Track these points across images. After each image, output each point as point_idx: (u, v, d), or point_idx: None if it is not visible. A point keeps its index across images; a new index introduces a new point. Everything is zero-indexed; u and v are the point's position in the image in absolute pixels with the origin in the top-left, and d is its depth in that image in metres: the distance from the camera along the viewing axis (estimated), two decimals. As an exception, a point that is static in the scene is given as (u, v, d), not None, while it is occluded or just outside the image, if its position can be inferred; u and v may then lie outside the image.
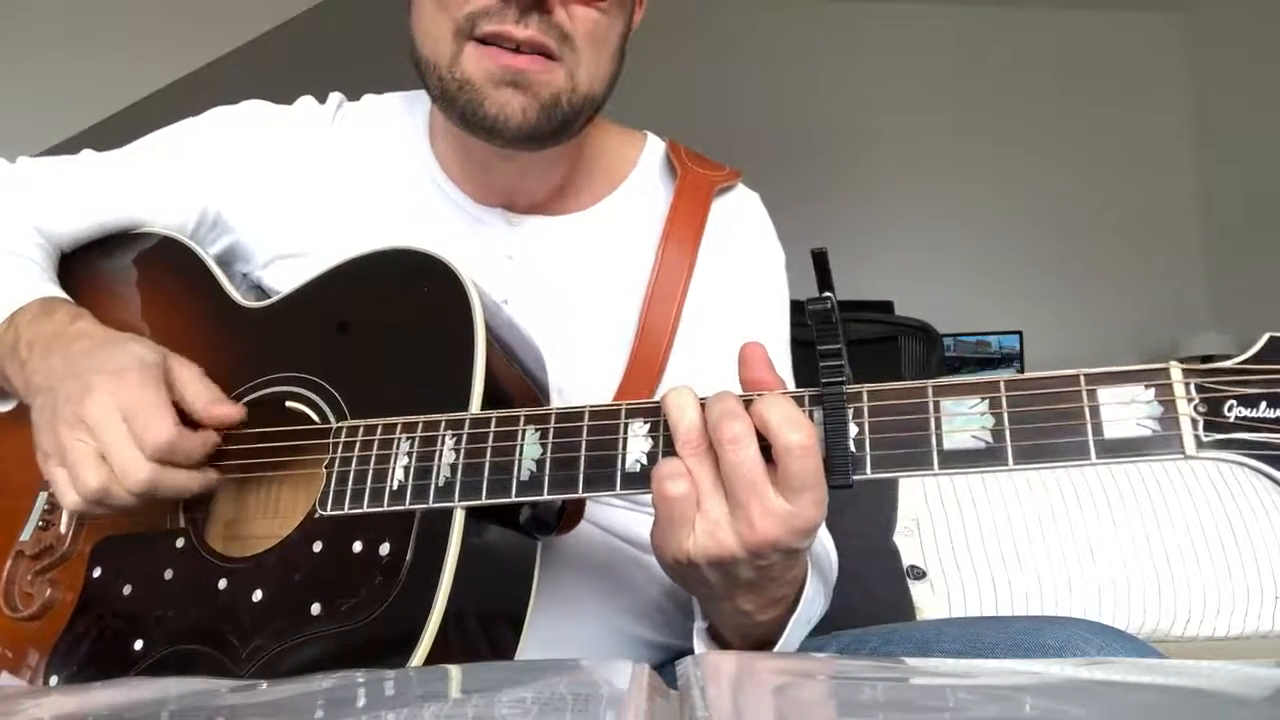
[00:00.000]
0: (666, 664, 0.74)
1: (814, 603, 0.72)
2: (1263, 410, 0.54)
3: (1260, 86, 4.35)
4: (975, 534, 1.52)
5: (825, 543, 0.82)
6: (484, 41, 0.78)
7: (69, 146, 0.95)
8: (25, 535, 0.79)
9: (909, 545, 1.52)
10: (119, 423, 0.69)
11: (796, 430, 0.57)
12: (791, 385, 0.74)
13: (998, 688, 0.49)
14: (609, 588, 0.85)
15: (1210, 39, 4.72)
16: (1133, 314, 4.68)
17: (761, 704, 0.48)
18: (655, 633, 0.86)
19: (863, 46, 4.83)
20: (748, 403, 0.60)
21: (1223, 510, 1.53)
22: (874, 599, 1.43)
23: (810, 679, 0.55)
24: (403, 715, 0.41)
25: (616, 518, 0.85)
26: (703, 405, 0.61)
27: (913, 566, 1.50)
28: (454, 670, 0.59)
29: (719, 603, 0.67)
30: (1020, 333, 4.56)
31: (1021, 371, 4.56)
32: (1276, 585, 1.48)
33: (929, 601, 1.47)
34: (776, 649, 0.68)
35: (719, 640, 0.72)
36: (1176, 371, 0.56)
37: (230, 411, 0.74)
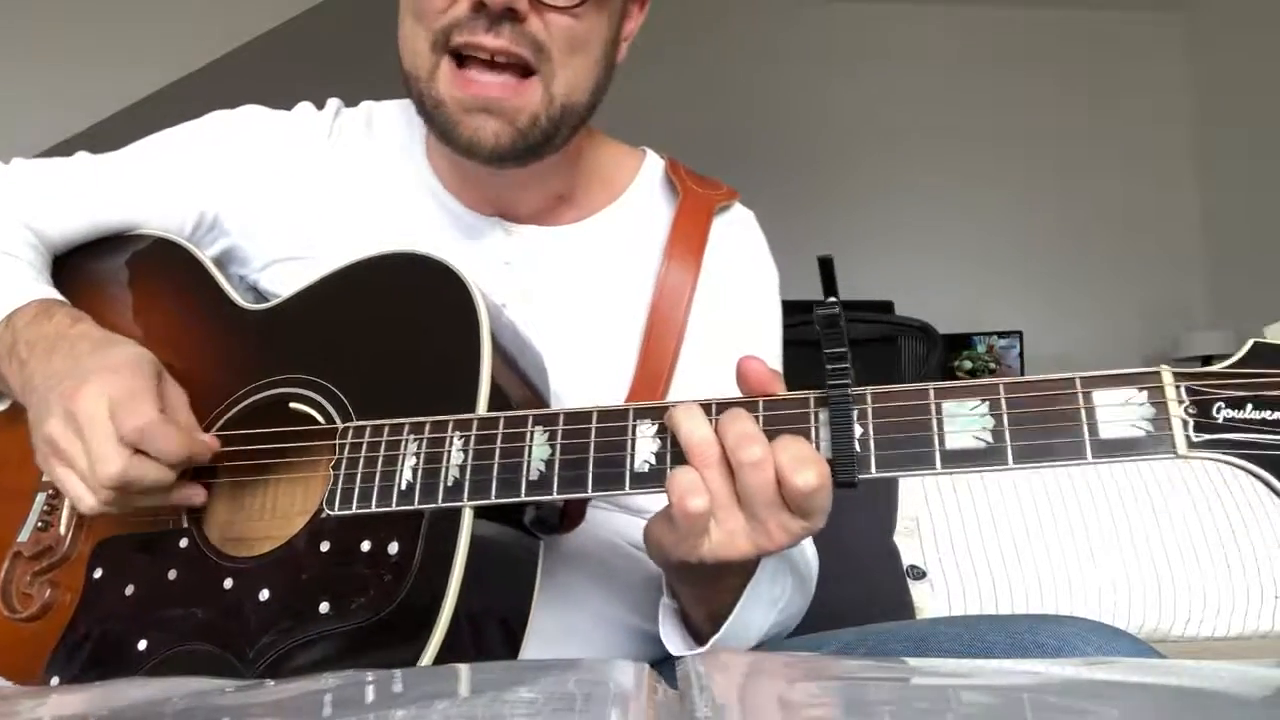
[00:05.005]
0: (664, 661, 0.75)
1: (778, 580, 0.75)
2: (1249, 412, 0.57)
3: (1260, 86, 4.35)
4: (975, 534, 1.52)
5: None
6: (459, 54, 0.78)
7: (67, 148, 0.95)
8: (23, 536, 0.79)
9: (909, 545, 1.52)
10: (104, 417, 0.68)
11: (805, 472, 0.59)
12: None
13: (998, 688, 0.50)
14: (606, 582, 0.85)
15: (1210, 39, 4.72)
16: (1133, 313, 4.68)
17: (762, 703, 0.48)
18: (650, 623, 0.86)
19: (863, 46, 4.83)
20: (755, 414, 0.62)
21: (1222, 510, 1.53)
22: (874, 599, 1.43)
23: (810, 679, 0.56)
24: (411, 713, 0.41)
25: (611, 520, 0.86)
26: (707, 408, 0.63)
27: (913, 566, 1.50)
28: (461, 670, 0.59)
29: (698, 584, 0.70)
30: (1020, 333, 4.57)
31: (1022, 372, 4.57)
32: (1276, 585, 1.48)
33: (929, 601, 1.47)
34: (734, 616, 0.70)
35: (683, 615, 0.75)
36: (1168, 375, 0.58)
37: (208, 443, 0.74)
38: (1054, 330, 4.62)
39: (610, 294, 0.90)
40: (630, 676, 0.46)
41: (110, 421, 0.68)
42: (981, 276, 4.73)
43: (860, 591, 1.39)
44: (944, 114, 4.75)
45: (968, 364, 4.60)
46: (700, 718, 0.40)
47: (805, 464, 0.60)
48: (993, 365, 4.59)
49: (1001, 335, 4.58)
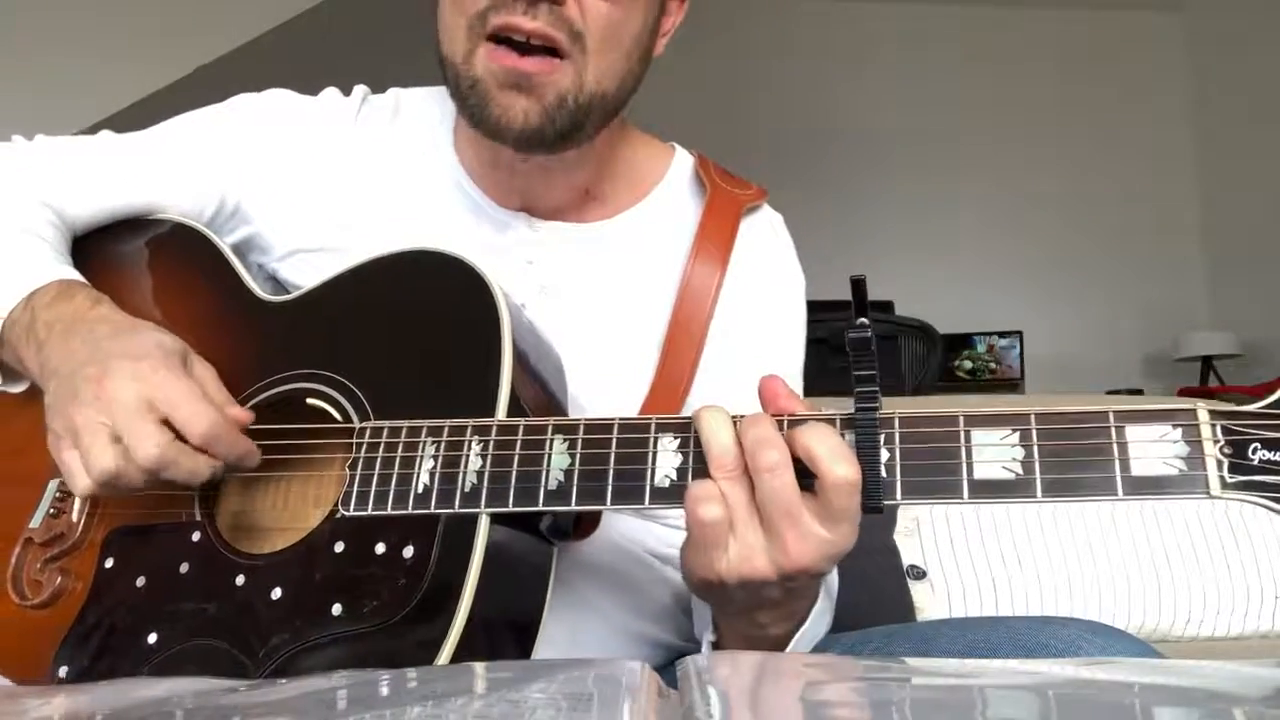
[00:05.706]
0: (668, 665, 0.75)
1: (819, 621, 0.73)
2: None
3: (1260, 86, 4.36)
4: (975, 534, 1.52)
5: None
6: (496, 38, 0.78)
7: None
8: (35, 522, 0.78)
9: (909, 545, 1.52)
10: (137, 402, 0.67)
11: (845, 464, 0.58)
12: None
13: (997, 687, 0.50)
14: (617, 588, 0.85)
15: (1210, 39, 4.73)
16: (1133, 313, 4.69)
17: (766, 704, 0.48)
18: (660, 631, 0.86)
19: (864, 46, 4.84)
20: (779, 423, 0.61)
21: (1223, 510, 1.53)
22: (874, 599, 1.43)
23: (816, 679, 0.56)
24: (426, 711, 0.41)
25: (626, 525, 0.85)
26: (735, 423, 0.62)
27: (913, 566, 1.50)
28: (468, 668, 0.59)
29: (737, 616, 0.68)
30: (1020, 333, 4.57)
31: (1022, 372, 4.56)
32: (1276, 585, 1.49)
33: (929, 601, 1.47)
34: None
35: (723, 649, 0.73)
36: (1203, 413, 0.57)
37: (242, 415, 0.72)
38: (1054, 330, 4.63)
39: (633, 294, 0.88)
40: (629, 676, 0.46)
41: (148, 410, 0.67)
42: (981, 276, 4.74)
43: (860, 591, 1.39)
44: (945, 114, 4.76)
45: (968, 364, 4.60)
46: (700, 717, 0.40)
47: (841, 457, 0.58)
48: (993, 365, 4.59)
49: (1001, 335, 4.59)
